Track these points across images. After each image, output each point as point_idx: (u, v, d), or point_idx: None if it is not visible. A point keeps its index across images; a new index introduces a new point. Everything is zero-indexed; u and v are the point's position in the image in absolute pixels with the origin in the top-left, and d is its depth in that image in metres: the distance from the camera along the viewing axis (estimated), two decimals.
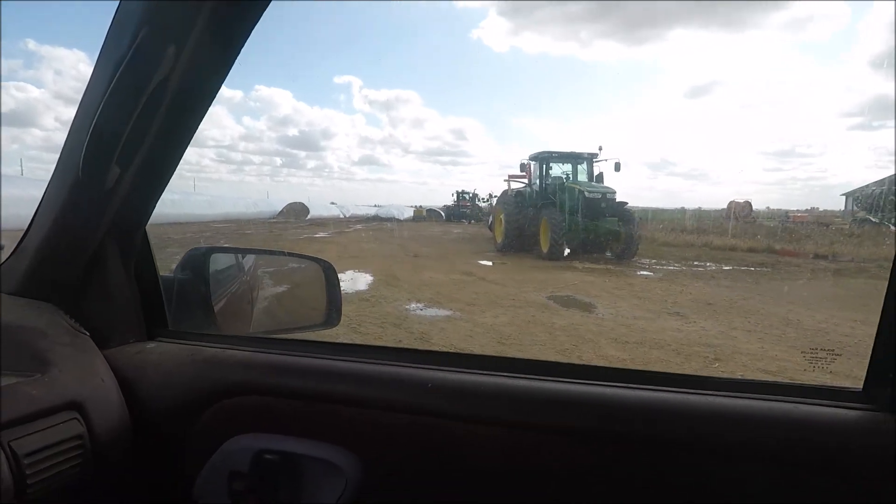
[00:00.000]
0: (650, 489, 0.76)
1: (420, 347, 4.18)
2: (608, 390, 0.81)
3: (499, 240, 13.06)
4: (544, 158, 12.82)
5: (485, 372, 0.88)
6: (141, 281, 1.05)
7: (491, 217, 17.94)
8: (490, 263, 10.81)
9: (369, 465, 0.87)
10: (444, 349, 4.75)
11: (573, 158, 12.79)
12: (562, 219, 10.98)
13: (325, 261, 1.36)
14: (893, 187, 12.31)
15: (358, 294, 7.23)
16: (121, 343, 1.00)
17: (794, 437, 0.71)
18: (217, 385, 0.93)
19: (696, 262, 11.03)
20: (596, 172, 12.57)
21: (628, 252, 11.13)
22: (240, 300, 1.68)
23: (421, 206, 30.99)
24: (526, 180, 15.15)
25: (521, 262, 11.10)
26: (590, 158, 12.63)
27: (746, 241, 12.83)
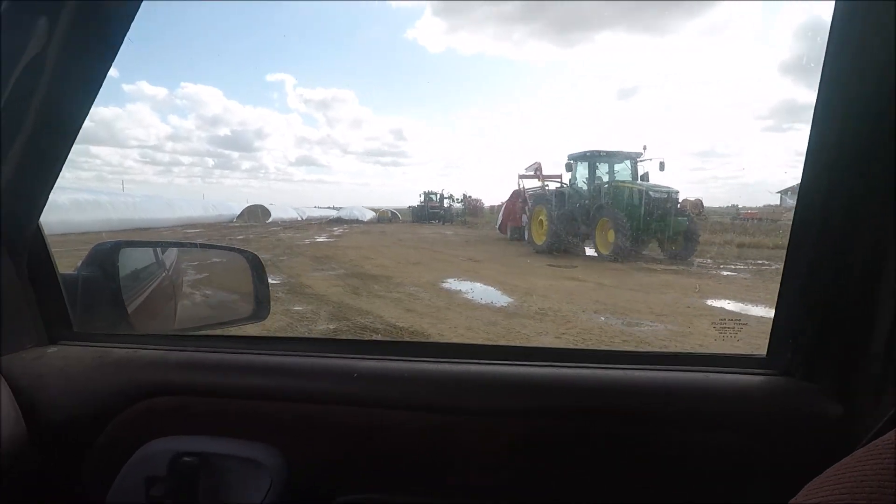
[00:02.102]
0: (575, 460, 0.80)
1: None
2: (532, 370, 0.83)
3: (539, 241, 12.56)
4: (592, 157, 12.43)
5: (407, 358, 0.88)
6: (37, 281, 0.95)
7: (500, 217, 17.41)
8: (561, 266, 10.13)
9: (294, 459, 0.84)
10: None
11: (620, 157, 12.54)
12: (626, 219, 10.65)
13: (249, 252, 1.30)
14: None
15: (516, 308, 6.24)
16: (16, 349, 0.92)
17: (707, 403, 0.78)
18: (128, 388, 0.88)
19: (752, 262, 11.19)
20: (641, 172, 12.41)
21: (687, 251, 11.05)
22: (162, 297, 1.60)
23: (385, 209, 30.43)
24: (534, 178, 14.90)
25: (589, 263, 10.63)
26: (635, 158, 12.45)
27: (767, 240, 13.36)
